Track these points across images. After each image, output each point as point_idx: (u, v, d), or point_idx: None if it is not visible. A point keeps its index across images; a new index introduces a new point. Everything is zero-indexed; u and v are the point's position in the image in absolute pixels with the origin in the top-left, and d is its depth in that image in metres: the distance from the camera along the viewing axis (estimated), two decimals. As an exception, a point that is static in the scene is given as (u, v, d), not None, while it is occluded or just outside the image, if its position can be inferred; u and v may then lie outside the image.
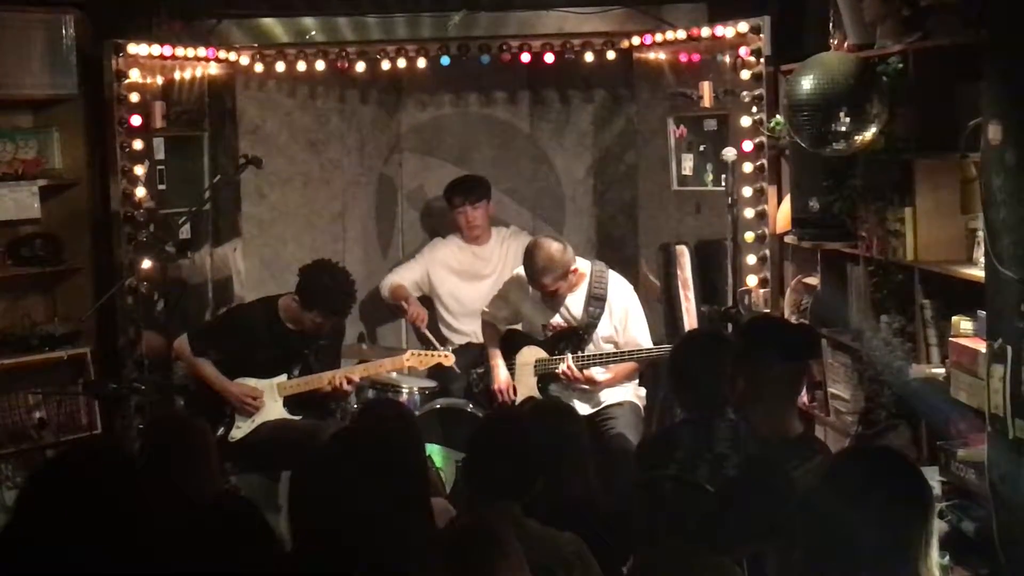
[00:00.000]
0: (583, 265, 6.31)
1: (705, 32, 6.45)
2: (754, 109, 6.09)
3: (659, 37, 6.80)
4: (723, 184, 6.07)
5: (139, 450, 4.69)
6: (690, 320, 6.49)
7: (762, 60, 6.08)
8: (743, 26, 6.16)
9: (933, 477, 4.23)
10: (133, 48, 6.30)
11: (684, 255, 6.55)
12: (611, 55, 7.06)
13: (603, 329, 6.27)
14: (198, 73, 6.87)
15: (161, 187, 6.63)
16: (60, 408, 6.09)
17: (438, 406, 6.38)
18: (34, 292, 6.48)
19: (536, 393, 6.28)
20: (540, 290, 6.26)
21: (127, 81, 6.26)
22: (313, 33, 6.95)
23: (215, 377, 6.17)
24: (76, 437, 6.18)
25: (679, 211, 6.95)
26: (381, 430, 4.08)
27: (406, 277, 7.29)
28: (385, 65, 7.08)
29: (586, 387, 6.22)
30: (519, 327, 6.52)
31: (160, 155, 6.64)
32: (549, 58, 7.02)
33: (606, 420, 6.14)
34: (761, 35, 6.10)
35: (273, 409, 6.19)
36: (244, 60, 7.01)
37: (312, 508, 3.48)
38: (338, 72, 7.25)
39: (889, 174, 4.99)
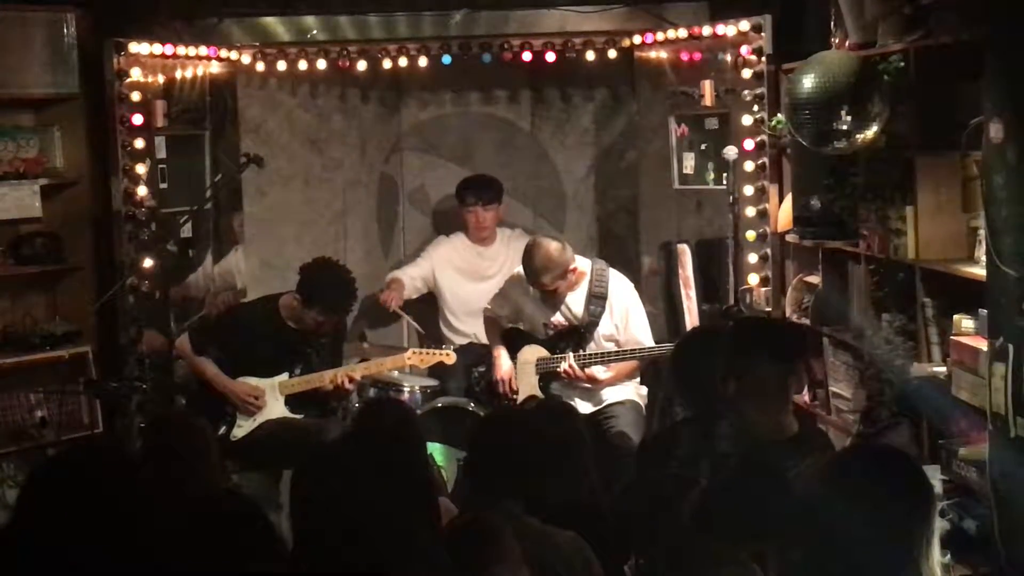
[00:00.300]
0: (584, 264, 6.31)
1: (706, 31, 6.46)
2: (755, 108, 6.09)
3: (660, 36, 6.80)
4: (724, 183, 6.08)
5: (140, 449, 4.69)
6: (691, 319, 6.50)
7: (763, 59, 6.08)
8: (744, 25, 6.17)
9: (934, 476, 4.22)
10: (134, 47, 6.30)
11: (685, 254, 6.55)
12: (612, 54, 7.06)
13: (604, 328, 6.27)
14: (199, 72, 6.86)
15: (162, 186, 6.62)
16: (61, 407, 6.07)
17: (439, 405, 6.38)
18: (35, 291, 6.47)
19: (537, 392, 6.27)
20: (539, 289, 6.26)
21: (128, 80, 6.26)
22: (314, 32, 6.95)
23: (216, 376, 6.17)
24: (77, 436, 6.16)
25: (680, 210, 6.94)
26: (382, 429, 4.08)
27: (410, 273, 7.28)
28: (386, 64, 7.07)
29: (587, 386, 6.23)
30: (520, 326, 6.52)
31: (161, 154, 6.63)
32: (550, 57, 7.02)
33: (607, 419, 6.14)
34: (762, 33, 6.10)
35: (274, 408, 6.19)
36: (245, 59, 7.01)
37: (314, 507, 3.47)
38: (339, 71, 7.25)
39: (890, 172, 4.99)
